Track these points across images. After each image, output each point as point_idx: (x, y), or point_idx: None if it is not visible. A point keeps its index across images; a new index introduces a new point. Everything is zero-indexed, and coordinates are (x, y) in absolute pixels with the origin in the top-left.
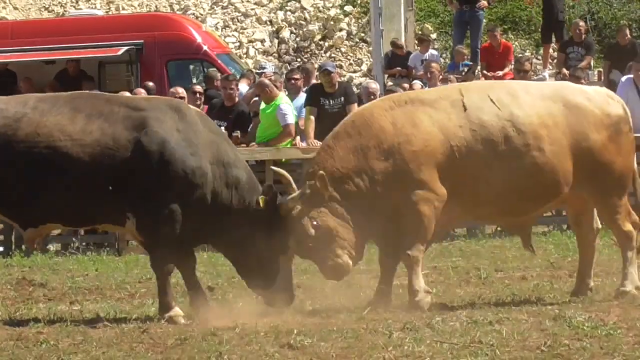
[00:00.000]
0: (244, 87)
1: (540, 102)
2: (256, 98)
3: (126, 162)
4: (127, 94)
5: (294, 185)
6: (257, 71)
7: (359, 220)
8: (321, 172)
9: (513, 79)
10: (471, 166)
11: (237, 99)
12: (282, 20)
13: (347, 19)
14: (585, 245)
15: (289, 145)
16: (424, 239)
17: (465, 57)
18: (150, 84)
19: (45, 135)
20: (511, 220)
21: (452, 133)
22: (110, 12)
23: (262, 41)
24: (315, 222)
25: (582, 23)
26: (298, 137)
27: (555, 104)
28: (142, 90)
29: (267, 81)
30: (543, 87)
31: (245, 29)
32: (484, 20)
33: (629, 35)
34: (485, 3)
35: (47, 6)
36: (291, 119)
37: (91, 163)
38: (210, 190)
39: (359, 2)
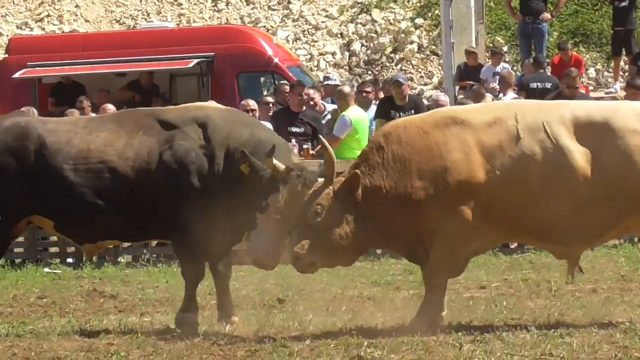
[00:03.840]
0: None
1: (589, 131)
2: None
3: (155, 176)
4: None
5: (332, 169)
6: (323, 82)
7: (360, 233)
8: (357, 171)
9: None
10: (517, 197)
11: (304, 107)
12: (352, 33)
13: (417, 32)
14: None
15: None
16: (450, 269)
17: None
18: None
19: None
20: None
21: (500, 162)
22: (181, 25)
23: (333, 54)
24: (318, 210)
25: None
26: None
27: (605, 132)
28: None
29: (347, 89)
30: (593, 111)
31: (316, 41)
32: (556, 33)
33: None
34: (549, 16)
35: (118, 19)
36: (339, 133)
37: (134, 178)
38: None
39: (429, 14)
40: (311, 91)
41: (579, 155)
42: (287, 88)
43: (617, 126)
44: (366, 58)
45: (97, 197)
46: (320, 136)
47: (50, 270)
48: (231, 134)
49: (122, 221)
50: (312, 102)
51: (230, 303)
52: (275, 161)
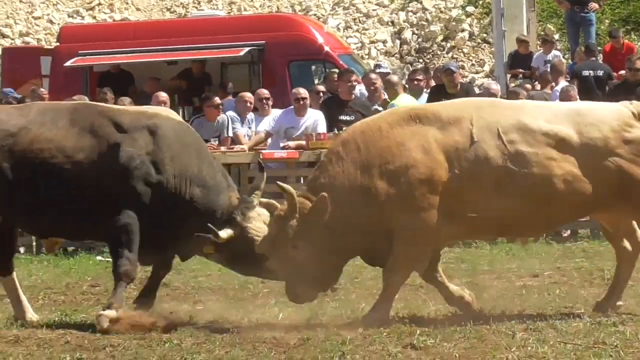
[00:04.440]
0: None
1: (552, 129)
2: None
3: (102, 179)
4: None
5: (294, 205)
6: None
7: (340, 244)
8: (324, 194)
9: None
10: (474, 195)
11: (354, 95)
12: (403, 21)
13: (469, 20)
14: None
15: None
16: (409, 267)
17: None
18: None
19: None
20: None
21: (457, 161)
22: (231, 13)
23: (384, 42)
24: (297, 245)
25: None
26: None
27: (569, 129)
28: (265, 91)
29: (396, 78)
30: (557, 111)
31: (367, 29)
32: (607, 21)
33: None
34: (596, 5)
35: (169, 7)
36: None
37: (78, 178)
38: (175, 203)
39: (480, 2)
40: (373, 76)
41: (534, 157)
42: (336, 76)
43: (580, 123)
44: (417, 46)
45: (41, 193)
46: (278, 182)
47: (102, 259)
48: (179, 157)
49: (66, 220)
50: (373, 87)
51: (151, 302)
52: (223, 235)
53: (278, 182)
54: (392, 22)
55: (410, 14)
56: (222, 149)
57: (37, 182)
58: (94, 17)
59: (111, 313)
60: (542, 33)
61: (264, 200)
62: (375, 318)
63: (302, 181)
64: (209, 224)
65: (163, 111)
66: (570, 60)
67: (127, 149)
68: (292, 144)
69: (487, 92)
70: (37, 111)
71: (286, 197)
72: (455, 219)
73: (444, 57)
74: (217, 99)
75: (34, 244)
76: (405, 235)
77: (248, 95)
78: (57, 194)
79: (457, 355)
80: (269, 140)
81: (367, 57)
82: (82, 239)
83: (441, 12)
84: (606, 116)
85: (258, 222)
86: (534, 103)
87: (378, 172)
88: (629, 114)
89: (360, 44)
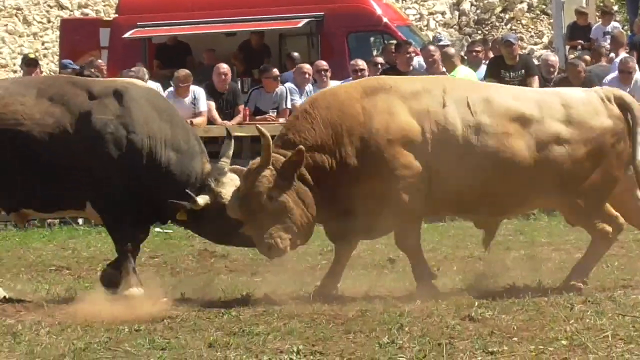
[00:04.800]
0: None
1: (518, 108)
2: None
3: (76, 147)
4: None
5: (269, 151)
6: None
7: (317, 202)
8: (301, 147)
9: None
10: (439, 164)
11: (412, 67)
12: None
13: None
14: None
15: None
16: (414, 224)
17: None
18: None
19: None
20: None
21: (427, 126)
22: None
23: (443, 13)
24: (273, 195)
25: None
26: None
27: (532, 112)
28: (324, 63)
29: (452, 50)
30: (525, 94)
31: (425, 1)
32: None
33: None
34: None
35: None
36: None
37: (50, 147)
38: (152, 166)
39: None
40: (432, 48)
41: (494, 137)
42: (393, 48)
43: (537, 114)
44: (476, 17)
45: (11, 163)
46: (257, 125)
47: (161, 230)
48: (151, 120)
49: (39, 190)
50: (431, 59)
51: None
52: (200, 201)
53: (257, 125)
54: None
55: None
56: (281, 120)
57: (7, 152)
58: None
59: (136, 291)
60: (601, 4)
61: (232, 166)
62: (425, 290)
63: None
64: (186, 190)
65: (133, 81)
66: (629, 32)
67: (100, 117)
68: None
69: (546, 64)
70: (12, 81)
71: (262, 143)
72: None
73: (502, 28)
74: (275, 71)
75: None
76: (395, 196)
77: (306, 66)
78: (29, 164)
79: (515, 327)
80: None
81: (425, 28)
82: (52, 212)
83: None
84: (575, 102)
85: (231, 187)
86: (504, 85)
87: (347, 134)
88: (599, 100)
89: (418, 16)
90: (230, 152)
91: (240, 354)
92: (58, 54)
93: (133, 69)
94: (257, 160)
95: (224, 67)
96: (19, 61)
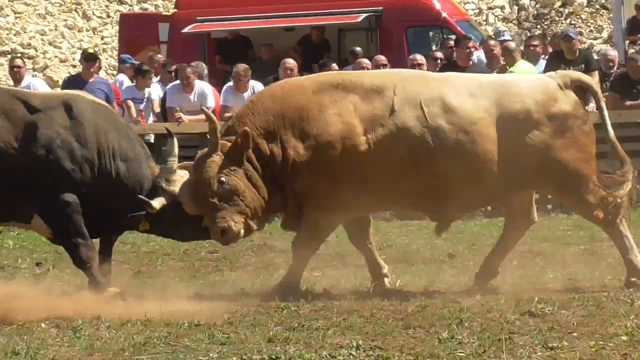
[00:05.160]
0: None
1: (473, 106)
2: None
3: (22, 161)
4: None
5: (217, 135)
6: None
7: (267, 189)
8: (246, 128)
9: None
10: (387, 165)
11: (471, 62)
12: None
13: None
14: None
15: None
16: (318, 238)
17: None
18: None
19: None
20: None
21: (373, 130)
22: None
23: (502, 8)
24: (223, 179)
25: None
26: None
27: (491, 106)
28: (383, 57)
29: (513, 45)
30: (482, 85)
31: None
32: None
33: None
34: None
35: None
36: None
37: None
38: (101, 178)
39: None
40: (492, 42)
41: (452, 132)
42: (452, 43)
43: (502, 100)
44: (535, 12)
45: None
46: (203, 108)
47: None
48: (100, 130)
49: None
50: (491, 54)
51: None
52: (155, 204)
53: (202, 108)
54: None
55: None
56: None
57: None
58: None
59: (113, 289)
60: None
61: (182, 163)
62: (285, 288)
63: None
64: (139, 196)
65: (74, 92)
66: None
67: (46, 131)
68: None
69: (605, 59)
70: None
71: (209, 127)
72: (368, 189)
73: (561, 23)
74: (334, 66)
75: None
76: (313, 200)
77: (365, 61)
78: None
79: (574, 322)
80: None
81: (484, 23)
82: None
83: None
84: (531, 89)
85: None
86: (460, 75)
87: (290, 126)
88: (555, 86)
89: (477, 10)
90: (176, 151)
91: (300, 349)
92: (117, 48)
93: (192, 63)
94: (204, 150)
95: (291, 62)
96: (78, 56)
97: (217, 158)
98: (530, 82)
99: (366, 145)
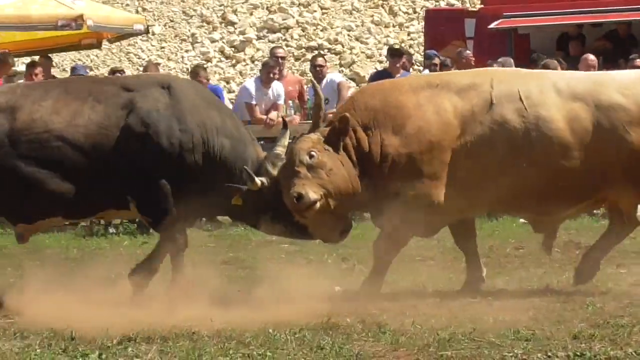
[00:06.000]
0: None
1: (570, 103)
2: None
3: (117, 143)
4: None
5: (319, 112)
6: None
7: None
8: (346, 114)
9: None
10: (489, 164)
11: None
12: None
13: None
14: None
15: None
16: (399, 241)
17: None
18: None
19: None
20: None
21: (472, 129)
22: None
23: None
24: (313, 153)
25: None
26: None
27: (587, 105)
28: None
29: None
30: (577, 84)
31: None
32: None
33: None
34: None
35: None
36: None
37: (87, 147)
38: (200, 159)
39: None
40: None
41: (555, 125)
42: None
43: (599, 98)
44: None
45: (42, 169)
46: (313, 81)
47: (525, 221)
48: (201, 107)
49: (74, 193)
50: None
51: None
52: (258, 181)
53: (312, 80)
54: None
55: None
56: None
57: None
58: None
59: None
60: None
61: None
62: (367, 291)
63: None
64: (244, 167)
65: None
66: None
67: (142, 106)
68: None
69: None
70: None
71: (314, 103)
72: (466, 188)
73: None
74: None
75: None
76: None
77: None
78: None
79: None
80: None
81: None
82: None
83: None
84: (634, 84)
85: None
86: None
87: (390, 124)
88: None
89: None
90: (286, 142)
91: (605, 346)
92: (422, 44)
93: (500, 59)
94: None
95: (592, 58)
96: (384, 52)
97: (314, 136)
98: (630, 76)
99: (464, 143)
